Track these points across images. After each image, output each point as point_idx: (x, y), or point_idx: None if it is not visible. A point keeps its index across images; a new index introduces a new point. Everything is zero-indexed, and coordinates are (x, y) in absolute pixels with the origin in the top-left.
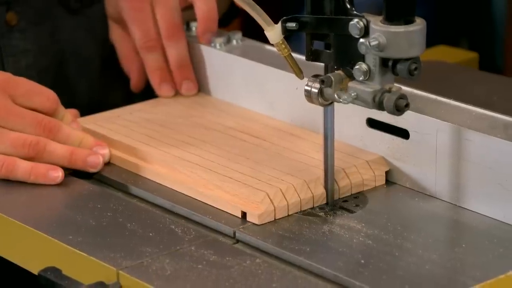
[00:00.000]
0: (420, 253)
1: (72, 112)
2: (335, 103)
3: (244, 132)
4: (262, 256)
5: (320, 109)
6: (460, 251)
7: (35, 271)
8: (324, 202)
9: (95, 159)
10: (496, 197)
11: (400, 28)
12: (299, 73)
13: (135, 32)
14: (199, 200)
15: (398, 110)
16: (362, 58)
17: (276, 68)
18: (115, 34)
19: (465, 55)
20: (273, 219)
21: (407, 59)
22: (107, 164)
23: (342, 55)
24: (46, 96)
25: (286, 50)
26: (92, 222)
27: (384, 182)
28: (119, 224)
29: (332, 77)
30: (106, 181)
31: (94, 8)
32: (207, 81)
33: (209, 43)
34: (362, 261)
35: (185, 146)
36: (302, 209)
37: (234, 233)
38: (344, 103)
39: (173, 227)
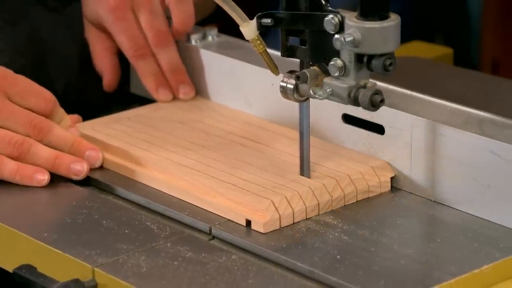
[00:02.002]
0: (396, 248)
1: (73, 118)
2: (311, 99)
3: (245, 137)
4: (238, 252)
5: (296, 105)
6: (435, 246)
7: (10, 269)
8: (330, 209)
9: (79, 167)
10: (470, 192)
11: (375, 24)
12: (275, 69)
13: (123, 42)
14: (201, 208)
15: (373, 105)
16: (337, 54)
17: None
18: (90, 34)
19: (440, 51)
20: (279, 227)
21: (382, 55)
22: (105, 170)
23: (317, 51)
24: (42, 97)
25: (261, 46)
26: (67, 219)
27: (389, 188)
28: (95, 221)
29: (307, 73)
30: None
31: (73, 7)
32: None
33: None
34: (338, 256)
35: (185, 152)
36: (307, 217)
37: (210, 230)
38: (320, 99)
39: (149, 224)
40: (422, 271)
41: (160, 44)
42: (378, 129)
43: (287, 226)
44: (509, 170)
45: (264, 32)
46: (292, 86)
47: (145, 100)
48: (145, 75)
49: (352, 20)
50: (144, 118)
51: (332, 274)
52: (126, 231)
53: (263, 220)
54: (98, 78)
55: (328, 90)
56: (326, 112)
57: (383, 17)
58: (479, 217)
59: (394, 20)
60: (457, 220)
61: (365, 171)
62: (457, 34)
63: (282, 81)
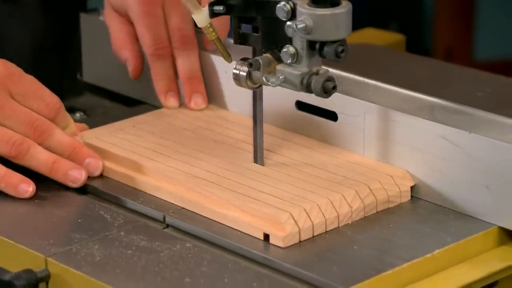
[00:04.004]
0: (349, 234)
1: (79, 126)
2: (264, 87)
3: (272, 151)
4: (192, 240)
5: (249, 92)
6: (387, 231)
7: None
8: (350, 221)
9: (77, 174)
10: (422, 177)
11: (327, 11)
12: (227, 57)
13: (145, 37)
14: (216, 220)
15: (326, 92)
16: (289, 41)
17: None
18: (112, 21)
19: (392, 38)
20: (298, 241)
21: (333, 42)
22: (113, 180)
23: (270, 38)
24: (46, 102)
25: (213, 34)
26: (19, 209)
27: (409, 198)
28: (47, 211)
29: (260, 60)
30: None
31: None
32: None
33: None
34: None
35: (195, 162)
36: (327, 229)
37: (164, 218)
38: (273, 86)
39: (102, 213)
40: (374, 257)
41: (184, 48)
42: (331, 115)
43: (306, 240)
44: (460, 155)
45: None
46: (245, 74)
47: (97, 89)
48: (158, 76)
49: (304, 7)
50: (149, 125)
51: (285, 260)
52: (79, 220)
53: (282, 233)
54: (51, 68)
55: (281, 77)
56: (280, 99)
57: (335, 4)
58: (430, 202)
59: (345, 7)
60: (409, 206)
61: (384, 180)
62: (410, 21)
63: (235, 68)
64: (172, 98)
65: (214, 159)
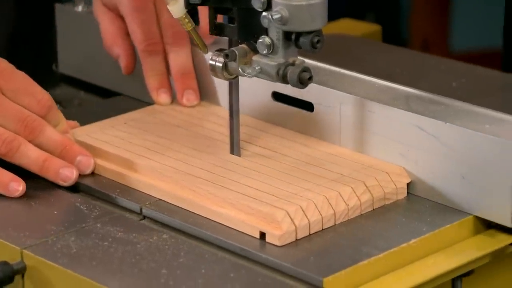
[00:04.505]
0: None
1: (70, 123)
2: (241, 78)
3: (250, 142)
4: (169, 231)
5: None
6: (364, 221)
7: None
8: (346, 219)
9: (68, 173)
10: None
11: (302, 2)
12: (204, 48)
13: (136, 33)
14: (210, 219)
15: (302, 83)
16: (265, 31)
17: None
18: (103, 16)
19: (368, 28)
20: (294, 240)
21: (309, 32)
22: (104, 178)
23: (246, 29)
24: (37, 99)
25: (189, 25)
26: None
27: (405, 195)
28: (23, 203)
29: (236, 51)
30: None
31: None
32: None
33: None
34: None
35: (188, 159)
36: (323, 227)
37: (141, 209)
38: (249, 77)
39: (78, 204)
40: (351, 246)
41: (177, 43)
42: (307, 106)
43: (302, 238)
44: (436, 145)
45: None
46: (221, 65)
47: (73, 80)
48: (150, 73)
49: None
50: (141, 122)
51: (263, 251)
52: (55, 212)
53: (279, 232)
54: (25, 58)
55: (257, 68)
56: (256, 90)
57: None
58: (407, 192)
59: None
60: None
61: (381, 177)
62: (387, 12)
63: (211, 59)
64: (164, 94)
65: (208, 156)
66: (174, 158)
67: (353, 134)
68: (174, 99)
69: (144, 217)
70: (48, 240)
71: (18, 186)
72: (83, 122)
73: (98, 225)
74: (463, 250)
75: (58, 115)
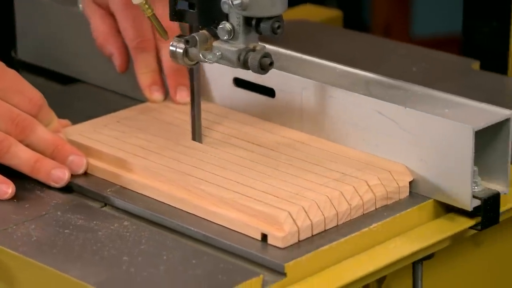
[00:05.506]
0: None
1: (62, 122)
2: (203, 64)
3: (247, 140)
4: (130, 218)
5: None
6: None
7: None
8: (348, 219)
9: (60, 174)
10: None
11: None
12: (164, 34)
13: (127, 30)
14: (210, 220)
15: (263, 68)
16: (225, 17)
17: None
18: (93, 14)
19: (329, 13)
20: (297, 241)
21: (270, 18)
22: (97, 179)
23: (206, 15)
24: (28, 97)
25: (149, 11)
26: None
27: (408, 193)
28: None
29: (196, 37)
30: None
31: None
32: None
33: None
34: None
35: (185, 158)
36: (326, 228)
37: (102, 197)
38: (210, 63)
39: (39, 192)
40: None
41: (168, 40)
42: (269, 92)
43: (305, 239)
44: (396, 130)
45: None
46: (181, 51)
47: (33, 67)
48: (141, 70)
49: None
50: (134, 121)
51: (226, 238)
52: (15, 200)
53: (281, 233)
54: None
55: (217, 53)
56: (218, 76)
57: None
58: None
59: None
60: None
61: (383, 176)
62: None
63: (172, 45)
64: (157, 92)
65: (204, 156)
66: (168, 156)
67: (315, 119)
68: (167, 96)
69: (105, 205)
70: (7, 228)
71: (7, 188)
72: None
73: (59, 213)
74: (424, 234)
75: (50, 114)
